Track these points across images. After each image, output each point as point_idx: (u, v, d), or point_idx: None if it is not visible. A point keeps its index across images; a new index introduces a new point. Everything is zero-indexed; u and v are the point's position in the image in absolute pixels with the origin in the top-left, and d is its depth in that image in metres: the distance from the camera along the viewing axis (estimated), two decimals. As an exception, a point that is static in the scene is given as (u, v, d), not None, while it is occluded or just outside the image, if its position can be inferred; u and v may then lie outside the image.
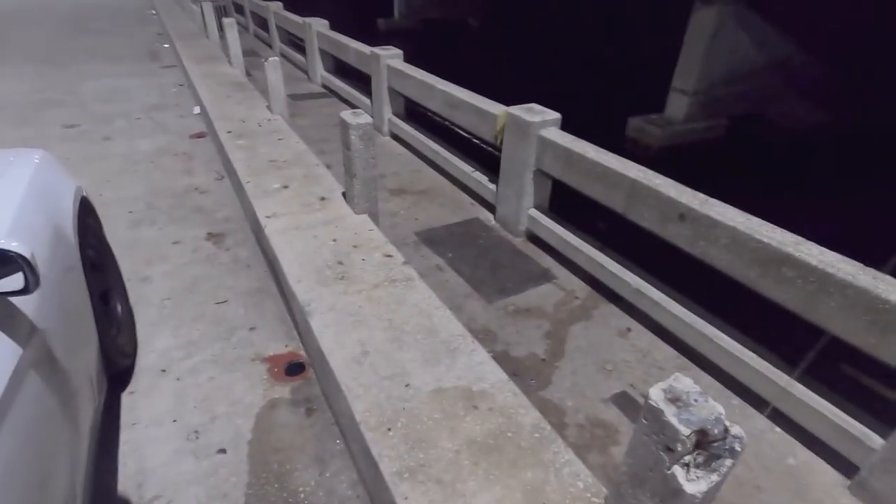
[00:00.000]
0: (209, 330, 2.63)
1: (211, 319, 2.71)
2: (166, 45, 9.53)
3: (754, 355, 2.19)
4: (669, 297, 2.54)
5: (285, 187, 3.50)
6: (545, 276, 3.12)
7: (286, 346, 2.57)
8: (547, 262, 3.25)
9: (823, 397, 1.99)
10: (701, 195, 2.37)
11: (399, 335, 2.21)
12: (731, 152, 6.68)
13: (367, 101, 5.54)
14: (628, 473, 1.41)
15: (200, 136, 5.24)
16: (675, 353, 2.54)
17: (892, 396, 2.19)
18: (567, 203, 3.30)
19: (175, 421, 2.13)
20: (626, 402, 2.25)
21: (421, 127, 4.83)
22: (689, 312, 2.44)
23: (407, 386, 1.96)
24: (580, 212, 3.13)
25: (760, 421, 2.18)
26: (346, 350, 2.12)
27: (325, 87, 6.96)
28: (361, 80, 5.77)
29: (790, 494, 1.89)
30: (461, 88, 4.11)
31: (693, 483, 1.24)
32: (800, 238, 2.03)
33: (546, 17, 12.12)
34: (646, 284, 2.64)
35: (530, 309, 2.84)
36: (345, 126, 2.93)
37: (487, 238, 3.53)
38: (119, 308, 2.44)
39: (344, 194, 3.35)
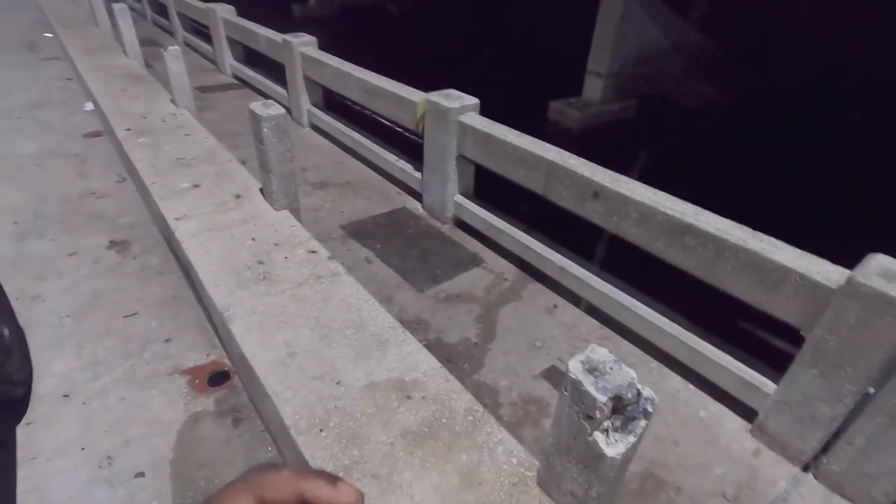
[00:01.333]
0: (117, 346, 2.42)
1: (119, 335, 2.49)
2: (48, 35, 8.53)
3: (667, 320, 2.35)
4: (590, 272, 2.67)
5: (196, 186, 3.27)
6: (474, 261, 3.16)
7: (207, 354, 2.42)
8: (475, 246, 3.30)
9: (727, 353, 2.18)
10: (612, 173, 2.49)
11: (327, 332, 2.15)
12: (639, 131, 7.09)
13: (283, 91, 5.29)
14: (555, 444, 1.47)
15: (95, 134, 4.76)
16: (598, 324, 2.67)
17: (782, 346, 2.44)
18: (491, 187, 3.35)
19: (83, 449, 1.94)
20: (555, 376, 2.35)
21: (341, 117, 4.69)
22: (608, 285, 2.57)
23: (338, 384, 1.92)
24: (504, 195, 3.19)
25: (676, 380, 2.35)
26: (271, 353, 2.03)
27: (236, 77, 6.56)
28: (276, 70, 5.49)
29: (702, 443, 2.06)
30: (379, 76, 4.02)
31: (612, 446, 1.31)
32: (699, 208, 2.19)
33: (466, 2, 12.15)
34: (569, 262, 2.75)
35: (461, 294, 2.86)
36: (255, 118, 2.77)
37: (415, 227, 3.52)
38: (4, 332, 2.17)
39: (261, 191, 3.19)
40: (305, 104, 4.95)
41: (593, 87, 7.25)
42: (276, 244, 2.72)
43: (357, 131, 4.40)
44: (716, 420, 2.17)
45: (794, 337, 1.92)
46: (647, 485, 1.90)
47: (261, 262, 2.57)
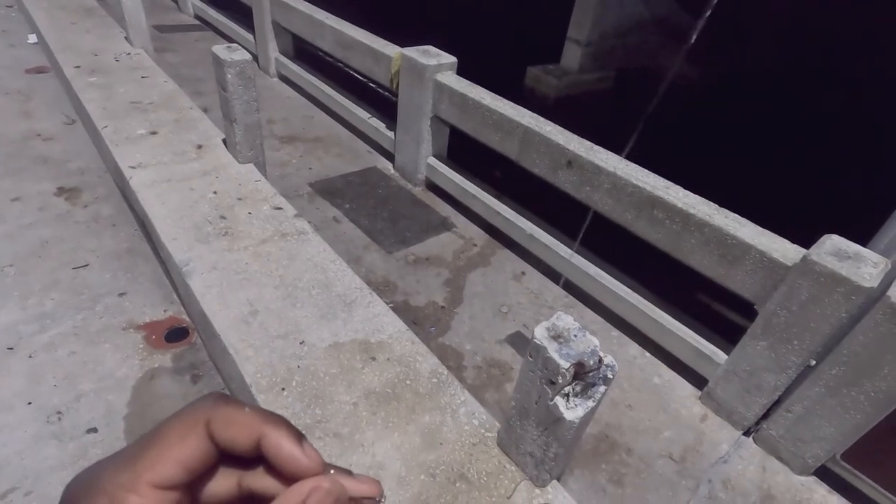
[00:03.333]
0: (67, 299, 2.30)
1: (68, 287, 2.37)
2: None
3: (629, 291, 2.41)
4: (559, 240, 2.69)
5: (153, 133, 3.08)
6: (444, 225, 3.13)
7: (164, 311, 2.34)
8: (446, 210, 3.26)
9: (683, 323, 2.26)
10: (587, 142, 2.47)
11: (292, 292, 2.10)
12: (616, 102, 7.08)
13: (250, 37, 4.97)
14: (517, 407, 1.50)
15: (40, 70, 4.38)
16: (563, 292, 2.71)
17: (736, 319, 2.55)
18: (465, 150, 3.29)
19: (30, 403, 1.87)
20: (519, 342, 2.39)
21: (312, 68, 4.46)
22: (574, 254, 2.60)
23: (301, 343, 1.89)
24: (478, 159, 3.14)
25: (634, 348, 2.44)
26: (232, 311, 1.98)
27: (198, 18, 6.12)
28: (243, 13, 5.14)
29: (655, 408, 2.16)
30: (354, 27, 3.82)
31: (572, 410, 1.35)
32: (669, 182, 2.21)
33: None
34: (538, 230, 2.76)
35: (430, 258, 2.85)
36: (218, 63, 2.59)
37: (386, 187, 3.44)
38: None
39: (224, 141, 3.03)
40: (273, 52, 4.68)
41: (572, 55, 7.15)
42: (239, 199, 2.61)
43: (329, 84, 4.21)
44: (668, 387, 2.27)
45: (748, 311, 2.00)
46: (602, 446, 1.99)
47: (223, 217, 2.46)
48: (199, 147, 3.00)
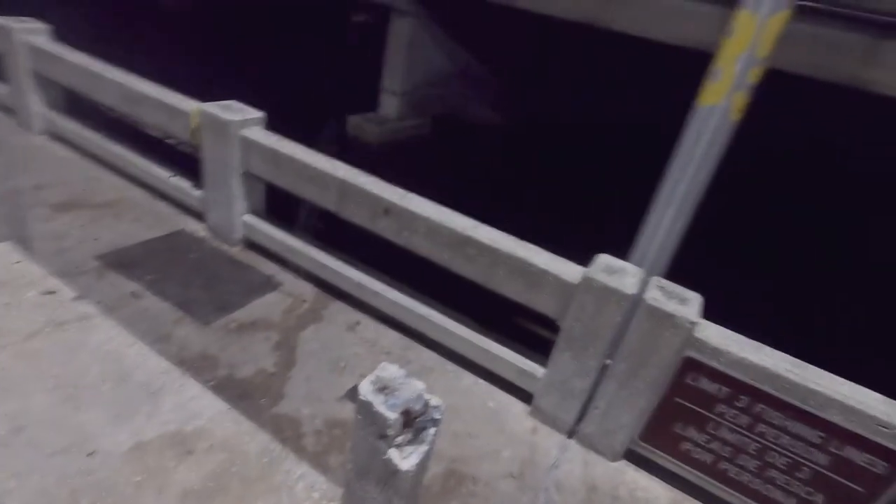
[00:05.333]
0: None
1: None
2: None
3: (457, 324, 2.56)
4: (389, 286, 2.74)
5: None
6: (269, 284, 2.95)
7: None
8: (270, 268, 3.08)
9: (506, 347, 2.48)
10: (401, 191, 2.61)
11: (74, 392, 1.74)
12: (434, 147, 7.68)
13: (1, 87, 4.15)
14: (354, 469, 1.45)
15: None
16: (399, 335, 2.76)
17: (547, 335, 2.89)
18: (285, 204, 3.19)
19: None
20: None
21: (94, 123, 3.89)
22: (405, 297, 2.68)
23: (90, 455, 1.56)
24: (298, 212, 3.07)
25: (468, 378, 2.57)
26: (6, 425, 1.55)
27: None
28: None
29: (493, 431, 2.30)
30: (142, 80, 3.46)
31: (407, 460, 1.35)
32: (477, 222, 2.44)
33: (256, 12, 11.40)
34: (367, 277, 2.78)
35: (255, 322, 2.64)
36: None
37: (199, 250, 3.12)
38: None
39: (-34, 217, 2.43)
40: (36, 107, 3.96)
41: (390, 104, 7.58)
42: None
43: (117, 141, 3.71)
44: (503, 408, 2.44)
45: (556, 327, 2.28)
46: (449, 482, 2.03)
47: (-34, 313, 1.95)
48: (-74, 227, 2.36)
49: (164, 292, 2.70)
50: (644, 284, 2.05)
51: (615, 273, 2.06)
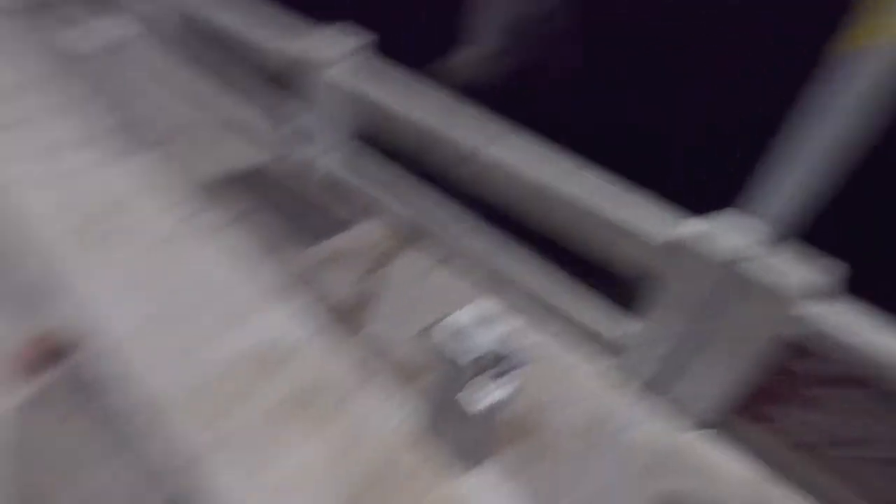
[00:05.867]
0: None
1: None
2: None
3: (545, 273, 2.51)
4: (475, 228, 2.73)
5: (21, 122, 2.68)
6: (360, 217, 3.05)
7: (37, 328, 2.06)
8: (361, 201, 3.17)
9: (595, 301, 2.40)
10: (491, 130, 2.51)
11: (190, 299, 1.95)
12: (525, 91, 7.29)
13: None
14: (435, 401, 1.51)
15: None
16: (482, 278, 2.76)
17: (638, 292, 2.75)
18: (377, 141, 3.21)
19: None
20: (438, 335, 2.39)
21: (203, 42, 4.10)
22: (491, 240, 2.66)
23: (205, 354, 1.76)
24: (390, 149, 3.08)
25: (550, 328, 2.54)
26: (122, 323, 1.79)
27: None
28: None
29: (570, 382, 2.27)
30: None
31: (487, 399, 1.38)
32: (569, 167, 2.30)
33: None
34: (455, 218, 2.78)
35: (345, 252, 2.76)
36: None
37: (298, 179, 3.28)
38: None
39: (110, 134, 2.71)
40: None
41: (489, 40, 7.21)
42: (127, 196, 2.36)
43: (236, 65, 3.90)
44: (581, 361, 2.40)
45: (649, 284, 2.15)
46: (519, 427, 2.06)
47: (108, 217, 2.21)
48: (79, 141, 2.66)
49: (266, 216, 2.89)
50: (764, 249, 1.84)
51: (729, 232, 1.87)
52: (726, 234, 1.86)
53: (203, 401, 1.61)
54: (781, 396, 1.86)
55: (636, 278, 2.14)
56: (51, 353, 1.98)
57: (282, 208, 2.99)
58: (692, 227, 1.89)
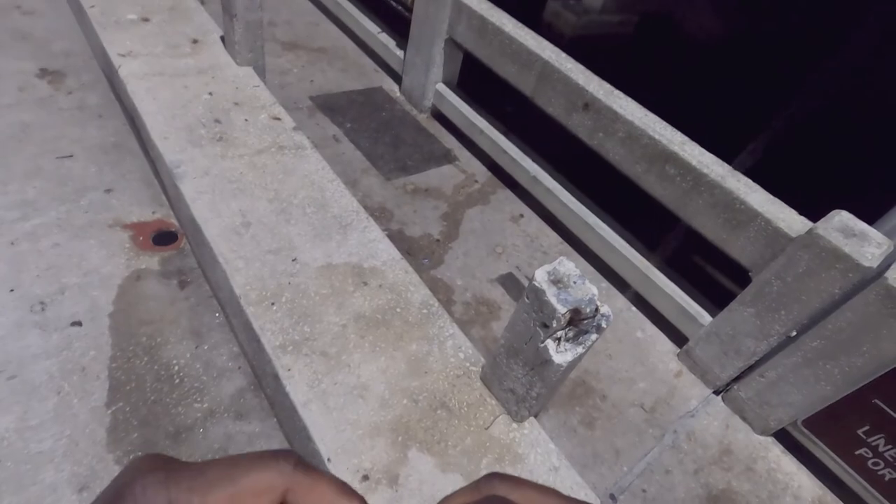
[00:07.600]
0: (50, 189, 2.21)
1: (52, 176, 2.26)
2: None
3: (624, 243, 2.39)
4: (562, 186, 2.63)
5: (145, 20, 2.84)
6: (447, 157, 3.03)
7: (153, 212, 2.27)
8: (450, 142, 3.14)
9: (674, 282, 2.27)
10: (607, 85, 2.35)
11: (286, 207, 2.04)
12: (633, 50, 6.74)
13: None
14: (505, 346, 1.51)
15: (19, -67, 3.94)
16: (559, 239, 2.69)
17: (728, 285, 2.58)
18: (477, 80, 3.12)
19: (12, 290, 1.83)
20: (510, 283, 2.39)
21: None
22: (575, 201, 2.56)
23: (294, 260, 1.86)
24: (489, 92, 2.99)
25: (620, 301, 2.46)
26: (224, 220, 1.92)
27: None
28: None
29: (633, 360, 2.22)
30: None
31: (561, 354, 1.36)
32: (686, 138, 2.13)
33: None
34: (542, 172, 2.68)
35: (429, 189, 2.78)
36: (220, -54, 2.35)
37: (390, 110, 3.28)
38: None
39: (222, 39, 2.82)
40: (280, -55, 4.26)
41: (597, -8, 6.69)
42: (235, 103, 2.47)
43: (337, -10, 3.88)
44: (649, 341, 2.32)
45: (739, 278, 2.00)
46: (578, 390, 2.05)
47: (217, 121, 2.34)
48: (195, 42, 2.79)
49: (357, 142, 2.94)
50: (890, 261, 1.64)
51: (853, 237, 1.67)
52: (865, 239, 1.67)
53: (287, 302, 1.71)
54: (877, 423, 1.70)
55: (741, 268, 1.99)
56: (166, 235, 2.18)
57: (381, 134, 3.03)
58: (842, 223, 1.70)
